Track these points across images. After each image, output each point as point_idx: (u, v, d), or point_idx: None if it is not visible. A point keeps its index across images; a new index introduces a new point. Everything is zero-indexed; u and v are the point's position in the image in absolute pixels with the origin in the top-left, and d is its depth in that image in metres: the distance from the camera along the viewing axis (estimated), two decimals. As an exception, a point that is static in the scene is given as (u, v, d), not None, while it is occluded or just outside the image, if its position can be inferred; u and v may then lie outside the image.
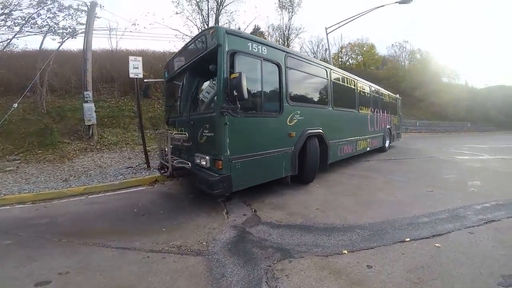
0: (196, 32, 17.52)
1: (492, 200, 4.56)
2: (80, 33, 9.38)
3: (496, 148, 12.79)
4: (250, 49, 4.03)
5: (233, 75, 3.42)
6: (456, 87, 34.40)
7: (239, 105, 3.55)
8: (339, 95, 6.66)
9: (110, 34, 13.77)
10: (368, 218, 3.78)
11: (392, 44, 44.76)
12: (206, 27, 14.64)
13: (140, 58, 6.50)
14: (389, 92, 11.40)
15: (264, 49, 4.28)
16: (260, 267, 2.62)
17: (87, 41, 8.41)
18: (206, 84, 4.79)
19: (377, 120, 9.29)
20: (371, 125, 8.80)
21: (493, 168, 7.63)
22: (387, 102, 10.66)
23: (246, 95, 3.40)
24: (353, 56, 36.36)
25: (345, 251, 2.91)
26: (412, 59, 34.67)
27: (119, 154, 8.48)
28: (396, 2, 11.32)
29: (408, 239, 3.14)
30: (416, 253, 2.84)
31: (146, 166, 6.98)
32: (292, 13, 22.69)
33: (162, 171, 5.22)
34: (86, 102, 8.51)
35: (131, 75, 6.42)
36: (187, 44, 4.78)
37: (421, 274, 2.49)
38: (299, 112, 4.93)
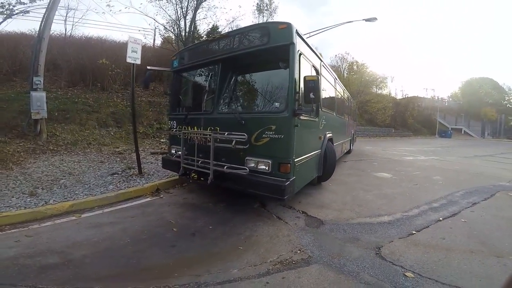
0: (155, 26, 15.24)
1: (461, 189, 5.69)
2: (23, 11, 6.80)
3: (423, 151, 15.51)
4: (307, 53, 3.85)
5: (310, 77, 3.13)
6: (383, 97, 36.26)
7: (314, 108, 3.51)
8: (339, 103, 7.22)
9: (66, 16, 10.60)
10: (397, 208, 4.36)
11: (336, 55, 47.64)
12: (180, 17, 12.70)
13: (140, 41, 5.05)
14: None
15: (312, 55, 4.21)
16: (374, 255, 2.83)
17: (48, 17, 6.07)
18: (253, 80, 4.05)
19: (349, 125, 9.94)
20: (348, 130, 9.43)
21: (438, 166, 9.35)
22: (353, 109, 11.53)
23: (320, 98, 3.24)
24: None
25: (414, 232, 3.44)
26: (350, 70, 35.64)
27: (84, 157, 6.46)
28: (363, 20, 12.23)
29: (441, 219, 3.92)
30: (458, 226, 3.64)
31: (137, 172, 5.49)
32: (268, 17, 21.98)
33: (191, 178, 4.05)
34: (35, 90, 6.16)
35: (128, 60, 4.95)
36: (228, 33, 3.96)
37: (479, 238, 3.26)
38: (324, 117, 4.98)
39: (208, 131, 3.89)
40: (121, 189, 4.58)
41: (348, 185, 5.87)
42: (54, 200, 3.82)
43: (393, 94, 42.54)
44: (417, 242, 3.14)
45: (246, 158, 3.53)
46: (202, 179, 3.91)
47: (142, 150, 7.91)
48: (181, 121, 4.54)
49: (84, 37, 11.14)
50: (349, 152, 10.93)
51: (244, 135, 3.42)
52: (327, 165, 5.00)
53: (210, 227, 3.50)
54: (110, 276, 2.27)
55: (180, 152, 4.46)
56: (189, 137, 4.20)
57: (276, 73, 3.65)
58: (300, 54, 3.44)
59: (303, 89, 3.25)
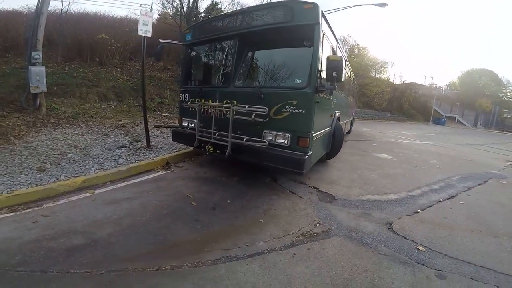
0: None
1: (456, 174, 5.89)
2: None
3: (417, 135, 15.49)
4: (328, 33, 3.83)
5: (333, 57, 3.15)
6: (382, 81, 35.34)
7: (336, 87, 3.56)
8: (346, 84, 7.19)
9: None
10: (401, 187, 4.53)
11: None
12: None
13: (151, 14, 4.61)
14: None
15: (332, 36, 4.19)
16: (386, 229, 2.99)
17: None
18: (271, 56, 3.90)
19: (351, 106, 9.77)
20: (350, 111, 9.34)
21: (433, 150, 9.57)
22: (355, 90, 11.17)
23: (342, 78, 3.21)
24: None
25: (419, 210, 3.63)
26: (351, 53, 34.59)
27: (88, 130, 6.15)
28: (372, 4, 11.27)
29: (441, 200, 4.11)
30: (456, 207, 3.86)
31: (145, 145, 5.25)
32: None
33: (206, 150, 3.93)
34: (34, 64, 5.63)
35: (140, 32, 4.61)
36: (247, 9, 3.85)
37: (476, 219, 3.48)
38: (336, 96, 4.99)
39: (225, 104, 3.78)
40: (132, 162, 4.37)
41: (352, 164, 6.00)
42: (65, 176, 3.61)
43: (391, 79, 41.41)
44: (423, 219, 3.33)
45: (264, 131, 3.51)
46: (218, 151, 3.83)
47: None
48: (195, 94, 4.38)
49: (82, 12, 10.19)
50: (349, 132, 10.82)
51: (265, 109, 3.40)
52: (334, 143, 4.96)
53: (228, 200, 3.48)
54: (141, 255, 2.14)
55: (192, 125, 4.38)
56: (205, 109, 4.05)
57: (297, 51, 3.60)
58: (323, 34, 3.44)
59: (325, 68, 3.22)
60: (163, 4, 12.44)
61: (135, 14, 13.20)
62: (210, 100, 4.07)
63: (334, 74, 3.09)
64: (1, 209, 2.82)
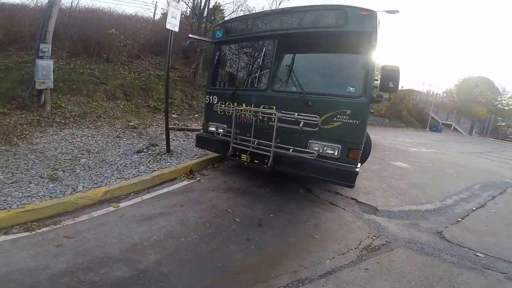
0: None
1: (476, 183, 5.85)
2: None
3: (420, 143, 15.30)
4: (378, 40, 3.32)
5: (391, 67, 2.95)
6: None
7: (391, 98, 3.51)
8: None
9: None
10: (432, 197, 4.49)
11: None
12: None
13: (180, 7, 4.17)
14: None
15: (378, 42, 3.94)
16: (439, 238, 3.02)
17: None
18: (317, 61, 3.71)
19: None
20: None
21: (444, 159, 9.51)
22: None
23: (397, 88, 3.00)
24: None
25: (459, 219, 3.65)
26: None
27: (97, 131, 5.56)
28: (384, 11, 11.14)
29: (474, 209, 4.14)
30: (491, 216, 3.93)
31: (164, 150, 4.72)
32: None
33: (241, 160, 3.49)
34: (41, 58, 4.98)
35: (168, 26, 4.16)
36: (290, 9, 3.48)
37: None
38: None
39: (261, 108, 3.42)
40: (154, 170, 3.85)
41: (376, 173, 5.88)
42: (83, 186, 3.06)
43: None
44: (467, 228, 3.41)
45: (310, 141, 3.21)
46: (256, 161, 3.39)
47: (156, 125, 7.04)
48: (225, 97, 3.93)
49: (90, 8, 9.51)
50: None
51: (317, 117, 3.08)
52: (365, 152, 4.68)
53: (271, 215, 3.14)
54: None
55: (221, 130, 3.94)
56: (240, 115, 3.60)
57: (348, 57, 3.41)
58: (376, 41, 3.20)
59: (380, 77, 3.03)
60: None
61: (146, 9, 12.66)
62: (244, 104, 3.63)
63: (391, 85, 2.92)
64: (12, 227, 2.27)
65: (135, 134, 5.81)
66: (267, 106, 3.45)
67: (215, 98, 4.12)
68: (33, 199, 2.64)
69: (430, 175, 6.24)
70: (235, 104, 3.73)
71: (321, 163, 3.07)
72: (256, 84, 3.80)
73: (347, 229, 3.03)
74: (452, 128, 40.15)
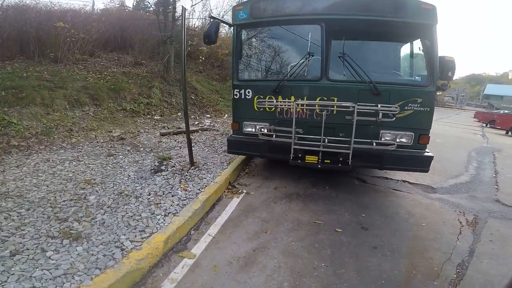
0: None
1: (469, 151, 6.83)
2: None
3: None
4: None
5: (449, 58, 3.07)
6: None
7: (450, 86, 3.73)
8: None
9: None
10: (456, 169, 4.88)
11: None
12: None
13: None
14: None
15: None
16: (502, 204, 3.44)
17: None
18: (373, 48, 3.55)
19: None
20: None
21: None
22: None
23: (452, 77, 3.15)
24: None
25: (496, 186, 4.01)
26: None
27: (78, 151, 4.09)
28: None
29: (494, 175, 4.62)
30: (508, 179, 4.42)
31: (187, 164, 3.76)
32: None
33: (308, 161, 3.09)
34: None
35: None
36: None
37: None
38: None
39: (335, 101, 2.99)
40: (196, 192, 2.99)
41: None
42: (127, 239, 2.09)
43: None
44: (509, 192, 3.83)
45: (382, 131, 3.03)
46: (327, 161, 3.02)
47: (145, 132, 5.78)
48: (265, 90, 3.30)
49: (24, 5, 6.81)
50: None
51: (397, 107, 2.91)
52: None
53: (362, 215, 2.92)
54: None
55: (265, 130, 3.32)
56: (289, 110, 3.14)
57: (409, 47, 3.49)
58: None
59: (440, 67, 3.05)
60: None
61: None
62: (292, 98, 3.10)
63: (450, 74, 3.06)
64: None
65: (129, 148, 4.58)
66: (325, 98, 3.05)
67: (248, 92, 3.41)
68: (71, 278, 1.65)
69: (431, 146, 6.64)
70: (280, 97, 3.16)
71: (399, 152, 2.98)
72: (306, 74, 3.19)
73: (435, 211, 3.11)
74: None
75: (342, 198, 3.26)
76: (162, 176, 3.39)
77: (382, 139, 2.99)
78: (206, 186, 3.18)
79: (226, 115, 9.31)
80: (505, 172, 4.87)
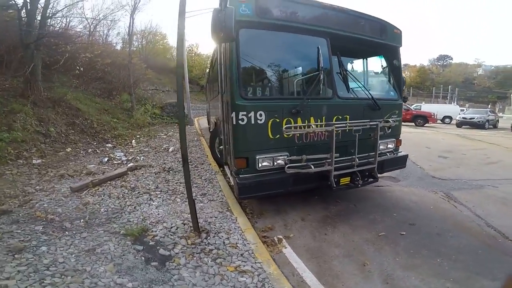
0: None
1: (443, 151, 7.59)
2: None
3: None
4: None
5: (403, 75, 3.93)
6: None
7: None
8: None
9: None
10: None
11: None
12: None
13: None
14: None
15: None
16: None
17: None
18: (362, 66, 3.93)
19: None
20: None
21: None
22: None
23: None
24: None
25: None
26: None
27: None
28: None
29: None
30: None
31: (191, 231, 2.42)
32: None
33: (343, 184, 3.03)
34: None
35: None
36: (345, 9, 3.09)
37: None
38: None
39: (361, 121, 3.10)
40: (254, 267, 2.03)
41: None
42: None
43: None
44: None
45: (380, 141, 3.23)
46: (356, 182, 3.05)
47: (36, 190, 3.28)
48: (281, 110, 2.75)
49: None
50: None
51: (396, 120, 3.50)
52: None
53: (394, 214, 3.22)
54: None
55: (281, 162, 2.79)
56: (312, 134, 2.91)
57: (384, 65, 3.77)
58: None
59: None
60: None
61: None
62: (311, 119, 2.87)
63: (404, 88, 4.06)
64: None
65: (40, 228, 2.38)
66: (340, 117, 3.00)
67: (260, 115, 2.68)
68: None
69: (420, 148, 7.37)
70: (299, 119, 2.80)
71: (394, 157, 3.55)
72: (320, 92, 2.99)
73: (419, 194, 3.88)
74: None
75: (363, 207, 3.40)
76: (173, 264, 2.02)
77: (380, 147, 3.32)
78: (252, 253, 2.24)
79: (134, 140, 7.22)
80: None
